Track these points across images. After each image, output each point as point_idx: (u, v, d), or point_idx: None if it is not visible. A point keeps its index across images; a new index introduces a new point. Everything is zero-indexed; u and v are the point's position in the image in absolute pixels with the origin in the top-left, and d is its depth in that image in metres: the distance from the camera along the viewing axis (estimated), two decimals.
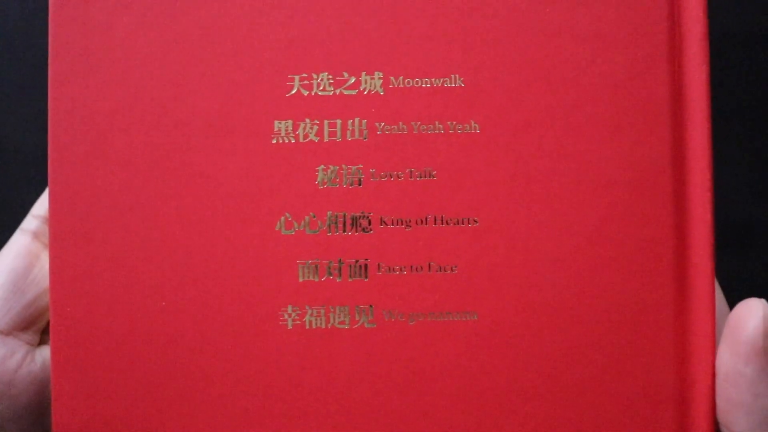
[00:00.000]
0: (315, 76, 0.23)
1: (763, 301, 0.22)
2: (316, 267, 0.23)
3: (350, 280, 0.23)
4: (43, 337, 0.26)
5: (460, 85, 0.23)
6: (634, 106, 0.23)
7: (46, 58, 0.24)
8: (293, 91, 0.23)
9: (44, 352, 0.26)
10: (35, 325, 0.26)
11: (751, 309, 0.22)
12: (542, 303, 0.23)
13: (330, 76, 0.23)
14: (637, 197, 0.23)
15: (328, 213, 0.23)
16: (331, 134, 0.23)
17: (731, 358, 0.22)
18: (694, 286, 0.23)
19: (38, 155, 0.37)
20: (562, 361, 0.23)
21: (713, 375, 0.23)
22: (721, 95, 0.36)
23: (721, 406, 0.22)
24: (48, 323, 0.26)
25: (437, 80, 0.23)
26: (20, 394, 0.25)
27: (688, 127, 0.23)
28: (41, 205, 0.27)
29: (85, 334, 0.23)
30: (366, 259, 0.23)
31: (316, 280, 0.23)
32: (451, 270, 0.23)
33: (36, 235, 0.26)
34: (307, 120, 0.23)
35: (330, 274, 0.23)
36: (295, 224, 0.23)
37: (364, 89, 0.23)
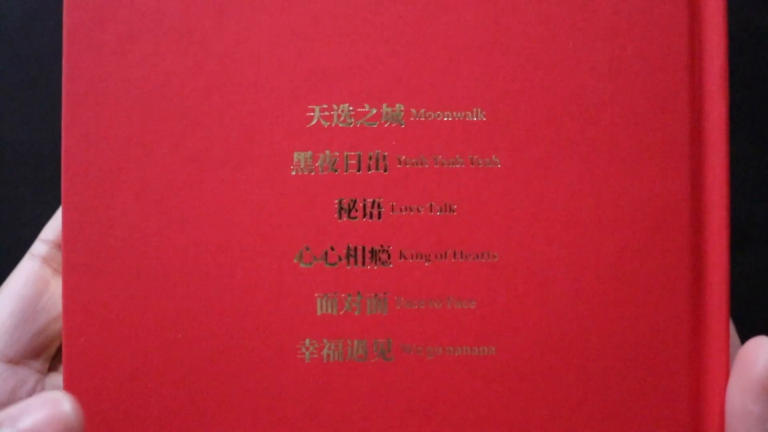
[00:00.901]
0: (335, 107, 0.23)
1: None
2: (335, 300, 0.23)
3: (369, 313, 0.23)
4: (53, 365, 0.26)
5: (482, 119, 0.23)
6: (655, 141, 0.23)
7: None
8: (313, 122, 0.23)
9: (54, 380, 0.26)
10: (45, 353, 0.25)
11: (761, 346, 0.22)
12: (560, 339, 0.23)
13: (350, 108, 0.23)
14: (655, 232, 0.23)
15: (347, 246, 0.23)
16: (351, 166, 0.23)
17: (740, 396, 0.22)
18: (709, 324, 0.23)
19: (38, 155, 0.36)
20: (579, 398, 0.23)
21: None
22: None
23: None
24: (58, 350, 0.26)
25: (459, 114, 0.23)
26: None
27: (707, 164, 0.23)
28: (50, 230, 0.26)
29: (99, 365, 0.23)
30: (385, 293, 0.23)
31: (335, 313, 0.23)
32: (470, 305, 0.23)
33: (45, 260, 0.26)
34: (327, 152, 0.23)
35: (349, 307, 0.23)
36: (314, 257, 0.23)
37: (385, 121, 0.23)
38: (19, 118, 0.36)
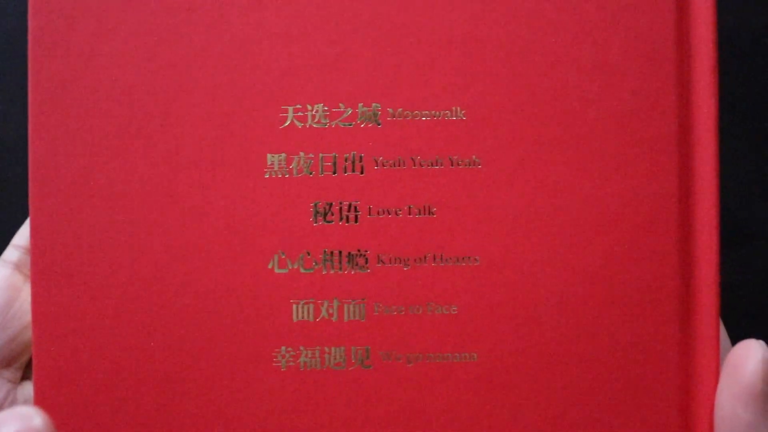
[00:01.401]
0: (310, 108, 0.22)
1: (762, 343, 0.21)
2: (311, 307, 0.22)
3: (346, 320, 0.22)
4: (25, 373, 0.25)
5: (462, 118, 0.22)
6: (640, 140, 0.22)
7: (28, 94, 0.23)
8: (287, 123, 0.22)
9: (26, 390, 0.25)
10: (17, 362, 0.25)
11: (750, 351, 0.21)
12: (543, 344, 0.22)
13: (325, 108, 0.22)
14: (641, 235, 0.22)
15: (324, 250, 0.22)
16: (327, 168, 0.22)
17: (729, 401, 0.21)
18: (699, 324, 0.23)
19: None
20: (563, 404, 0.22)
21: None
22: (721, 95, 0.36)
23: None
24: (29, 359, 0.25)
25: (437, 113, 0.22)
26: None
27: (695, 165, 0.22)
28: (22, 236, 0.26)
29: (69, 372, 0.22)
30: (363, 299, 0.22)
31: (311, 320, 0.22)
32: (451, 310, 0.22)
33: (17, 266, 0.25)
34: (302, 153, 0.22)
35: (325, 314, 0.22)
36: (289, 262, 0.22)
37: (361, 121, 0.22)
38: (19, 118, 0.36)
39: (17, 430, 0.19)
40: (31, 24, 0.22)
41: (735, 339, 0.28)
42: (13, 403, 0.24)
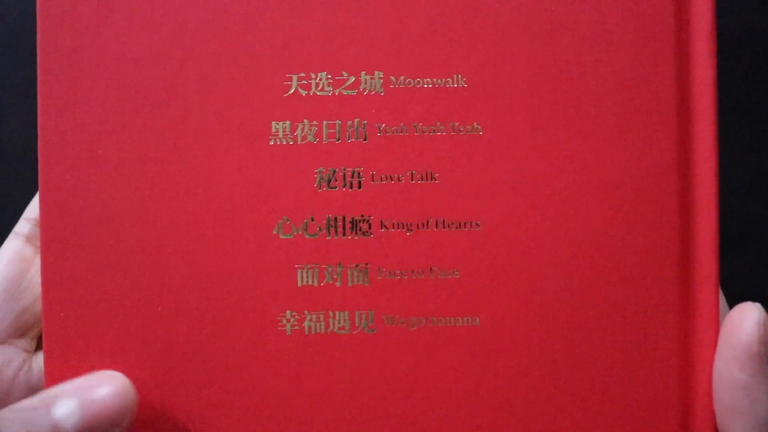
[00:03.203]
0: (313, 76, 0.23)
1: (758, 305, 0.22)
2: (315, 272, 0.23)
3: (350, 285, 0.23)
4: (39, 344, 0.26)
5: (463, 86, 0.23)
6: (640, 107, 0.23)
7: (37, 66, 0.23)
8: (291, 91, 0.23)
9: (41, 360, 0.25)
10: (31, 332, 0.25)
11: (745, 313, 0.22)
12: (545, 308, 0.23)
13: (329, 76, 0.23)
14: (642, 200, 0.23)
15: (327, 216, 0.23)
16: (330, 135, 0.23)
17: (726, 363, 0.22)
18: (699, 290, 0.23)
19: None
20: (564, 366, 0.23)
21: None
22: (721, 95, 0.36)
23: (717, 411, 0.22)
24: None
25: (439, 80, 0.23)
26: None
27: (694, 130, 0.23)
28: (33, 208, 0.26)
29: (79, 339, 0.23)
30: (366, 264, 0.23)
31: (316, 285, 0.23)
32: (453, 275, 0.23)
33: (29, 238, 0.26)
34: (306, 121, 0.23)
35: (329, 278, 0.23)
36: (294, 228, 0.23)
37: (364, 89, 0.23)
38: (19, 118, 0.36)
39: (112, 388, 0.21)
40: (40, 1, 0.23)
41: None
42: (28, 371, 0.25)
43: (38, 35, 0.23)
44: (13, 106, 0.36)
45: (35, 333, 0.26)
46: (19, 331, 0.25)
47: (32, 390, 0.25)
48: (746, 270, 0.35)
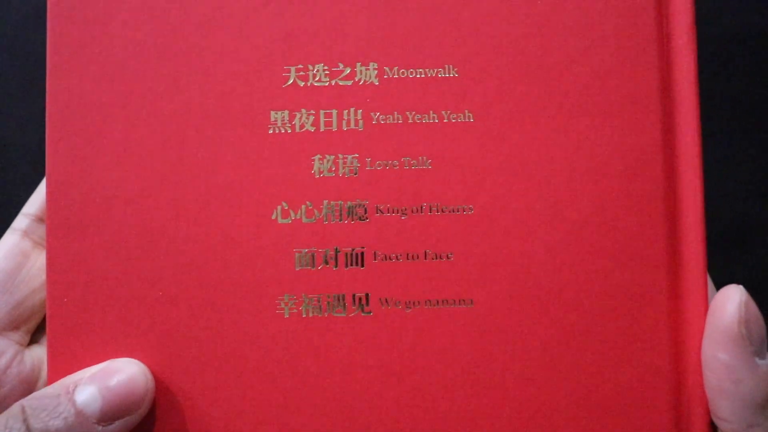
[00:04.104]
0: (311, 67, 0.24)
1: (740, 287, 0.22)
2: (313, 256, 0.23)
3: (346, 268, 0.23)
4: (33, 338, 0.26)
5: (454, 76, 0.24)
6: (625, 96, 0.24)
7: (46, 58, 0.24)
8: (289, 82, 0.24)
9: (34, 353, 0.26)
10: (25, 325, 0.26)
11: (728, 296, 0.22)
12: (537, 290, 0.23)
13: (326, 67, 0.24)
14: (629, 185, 0.23)
15: (325, 202, 0.24)
16: (327, 124, 0.24)
17: (711, 346, 0.22)
18: (687, 271, 0.23)
19: (38, 155, 0.36)
20: (557, 348, 0.23)
21: None
22: (721, 95, 0.36)
23: (708, 394, 0.22)
24: (38, 324, 0.26)
25: (431, 71, 0.24)
26: (9, 394, 0.25)
27: (678, 116, 0.24)
28: (32, 204, 0.27)
29: (82, 326, 0.23)
30: (362, 248, 0.23)
31: (313, 268, 0.23)
32: (447, 257, 0.23)
33: (26, 233, 0.26)
34: (303, 110, 0.24)
35: (326, 262, 0.23)
36: (292, 213, 0.23)
37: (360, 80, 0.24)
38: (19, 118, 0.37)
39: (130, 373, 0.22)
40: None
41: None
42: (21, 364, 0.25)
43: (48, 30, 0.24)
44: (13, 106, 0.37)
45: (29, 327, 0.26)
46: (13, 324, 0.25)
47: (24, 382, 0.25)
48: (746, 270, 0.35)
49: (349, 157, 0.24)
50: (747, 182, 0.36)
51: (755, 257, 0.36)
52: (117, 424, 0.22)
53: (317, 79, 0.24)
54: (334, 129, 0.24)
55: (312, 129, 0.24)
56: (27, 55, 0.37)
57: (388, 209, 0.23)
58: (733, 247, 0.36)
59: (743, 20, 0.37)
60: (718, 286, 0.23)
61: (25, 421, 0.21)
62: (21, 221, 0.26)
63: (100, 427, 0.21)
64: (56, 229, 0.23)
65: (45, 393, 0.22)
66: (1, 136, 0.37)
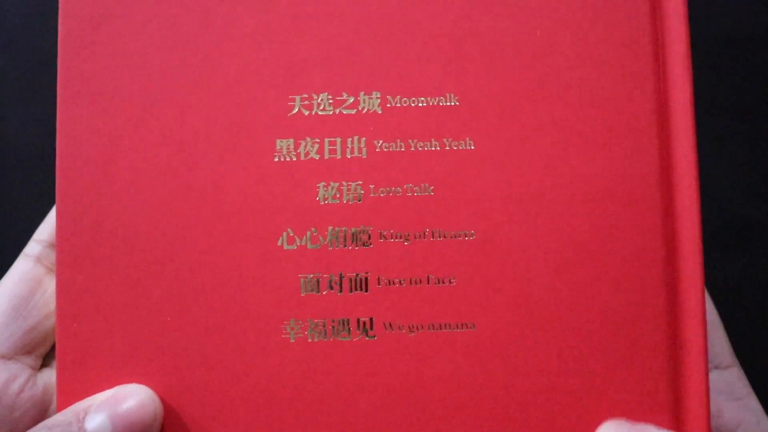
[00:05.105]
0: (315, 96, 0.24)
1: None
2: (318, 281, 0.24)
3: (351, 293, 0.24)
4: (45, 362, 0.27)
5: (455, 104, 0.24)
6: (623, 121, 0.24)
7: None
8: (294, 111, 0.24)
9: (46, 376, 0.26)
10: (38, 350, 0.26)
11: None
12: (539, 313, 0.24)
13: (330, 96, 0.24)
14: (627, 209, 0.24)
15: (329, 228, 0.24)
16: (332, 152, 0.24)
17: None
18: (685, 292, 0.24)
19: (38, 155, 0.36)
20: (559, 371, 0.23)
21: (706, 378, 0.23)
22: (721, 95, 0.36)
23: None
24: (50, 348, 0.27)
25: (433, 99, 0.24)
26: (21, 418, 0.25)
27: (674, 140, 0.24)
28: (44, 230, 0.27)
29: (92, 352, 0.24)
30: (366, 273, 0.24)
31: (318, 293, 0.24)
32: (450, 282, 0.24)
33: (38, 259, 0.27)
34: (308, 138, 0.24)
35: (331, 287, 0.24)
36: (297, 239, 0.24)
37: (363, 108, 0.24)
38: (19, 118, 0.37)
39: (138, 400, 0.23)
40: (62, 25, 0.25)
41: (736, 338, 0.28)
42: (33, 387, 0.26)
43: (59, 61, 0.24)
44: (13, 107, 0.37)
45: (41, 351, 0.26)
46: (26, 348, 0.26)
47: (36, 406, 0.25)
48: (746, 270, 0.35)
49: (353, 184, 0.24)
50: (747, 182, 0.36)
51: (755, 257, 0.36)
52: None
53: (321, 108, 0.24)
54: (339, 157, 0.24)
55: (317, 157, 0.24)
56: (27, 55, 0.37)
57: (391, 235, 0.24)
58: (733, 247, 0.36)
59: (743, 20, 0.37)
60: (717, 286, 0.23)
61: None
62: (33, 247, 0.27)
63: None
64: (65, 256, 0.24)
65: (56, 421, 0.22)
66: (1, 136, 0.37)
